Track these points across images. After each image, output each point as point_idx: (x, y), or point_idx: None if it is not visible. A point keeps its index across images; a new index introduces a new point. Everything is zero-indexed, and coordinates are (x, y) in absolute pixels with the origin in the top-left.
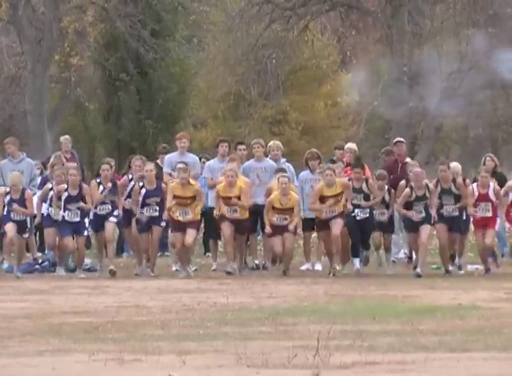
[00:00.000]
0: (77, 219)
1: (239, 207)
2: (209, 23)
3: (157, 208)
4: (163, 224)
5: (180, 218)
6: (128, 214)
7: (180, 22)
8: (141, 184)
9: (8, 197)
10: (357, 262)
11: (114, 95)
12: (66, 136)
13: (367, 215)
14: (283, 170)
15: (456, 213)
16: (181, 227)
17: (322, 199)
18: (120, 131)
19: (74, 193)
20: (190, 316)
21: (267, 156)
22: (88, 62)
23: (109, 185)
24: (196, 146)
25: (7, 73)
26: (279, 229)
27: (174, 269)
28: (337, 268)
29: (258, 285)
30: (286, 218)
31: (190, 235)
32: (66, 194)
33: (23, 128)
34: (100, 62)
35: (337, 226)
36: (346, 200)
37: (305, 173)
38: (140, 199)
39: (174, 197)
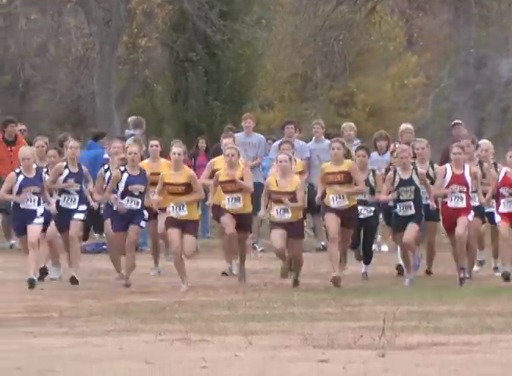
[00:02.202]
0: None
1: (244, 191)
2: (277, 4)
3: (139, 201)
4: (142, 224)
5: (173, 215)
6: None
7: (252, 3)
8: (122, 169)
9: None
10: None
11: (182, 77)
12: (134, 117)
13: (371, 214)
14: (289, 143)
15: None
16: (176, 225)
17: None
18: (187, 112)
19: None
20: (257, 296)
21: (327, 137)
22: (156, 43)
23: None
24: (263, 127)
25: (75, 54)
26: (280, 226)
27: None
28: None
29: (325, 266)
30: (287, 211)
31: (189, 243)
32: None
33: (92, 109)
34: (168, 43)
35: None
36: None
37: (373, 154)
38: (122, 187)
39: (165, 184)
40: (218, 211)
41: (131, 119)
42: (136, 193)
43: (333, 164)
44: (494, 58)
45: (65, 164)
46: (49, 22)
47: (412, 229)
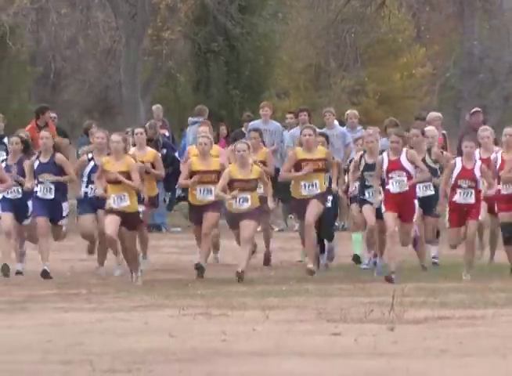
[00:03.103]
0: None
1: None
2: None
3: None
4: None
5: (114, 206)
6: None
7: None
8: (90, 156)
9: None
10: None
11: (203, 67)
12: (158, 105)
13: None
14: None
15: None
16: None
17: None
18: (208, 100)
19: None
20: (274, 273)
21: (341, 123)
22: (179, 36)
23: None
24: (279, 114)
25: (103, 46)
26: (238, 218)
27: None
28: (310, 266)
29: (340, 245)
30: (247, 200)
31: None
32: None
33: (118, 98)
34: (190, 36)
35: (312, 211)
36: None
37: (384, 140)
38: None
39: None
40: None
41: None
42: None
43: (307, 151)
44: (496, 49)
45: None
46: (79, 16)
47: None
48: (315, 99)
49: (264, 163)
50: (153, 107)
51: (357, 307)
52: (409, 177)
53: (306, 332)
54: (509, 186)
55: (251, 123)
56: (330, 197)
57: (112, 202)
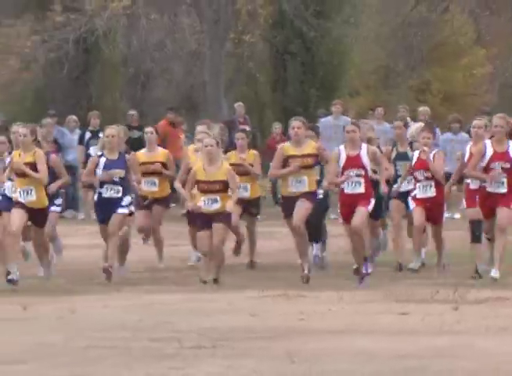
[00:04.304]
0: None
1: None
2: (364, 5)
3: (119, 188)
4: (124, 210)
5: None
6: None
7: (342, 4)
8: (99, 153)
9: None
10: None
11: (281, 68)
12: (240, 103)
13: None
14: (244, 130)
15: None
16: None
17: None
18: (286, 98)
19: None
20: (349, 258)
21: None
22: (259, 39)
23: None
24: (351, 111)
25: (189, 49)
26: (206, 219)
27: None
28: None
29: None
30: (216, 200)
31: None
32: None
33: (203, 97)
34: (269, 39)
35: (299, 214)
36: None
37: (447, 134)
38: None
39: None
40: None
41: (237, 105)
42: (116, 180)
43: (295, 146)
44: None
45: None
46: (167, 21)
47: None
48: (384, 96)
49: (252, 165)
50: (235, 105)
51: (423, 288)
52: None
53: (376, 312)
54: (474, 180)
55: (323, 119)
56: (321, 190)
57: (19, 196)
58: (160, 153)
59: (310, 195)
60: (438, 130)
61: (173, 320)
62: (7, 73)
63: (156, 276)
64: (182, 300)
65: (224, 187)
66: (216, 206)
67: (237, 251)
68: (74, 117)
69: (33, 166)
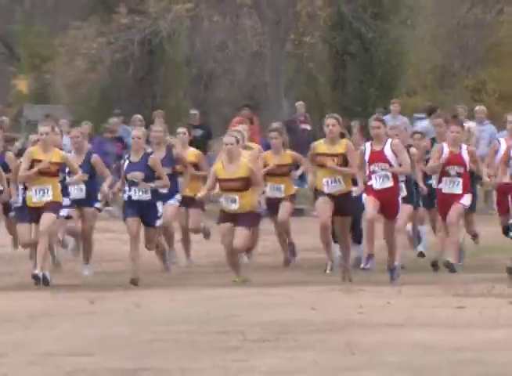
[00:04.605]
0: None
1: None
2: (420, 7)
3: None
4: (159, 223)
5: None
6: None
7: (400, 6)
8: (127, 156)
9: None
10: None
11: (340, 68)
12: (301, 102)
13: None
14: (277, 129)
15: None
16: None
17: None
18: (345, 98)
19: None
20: (410, 253)
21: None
22: (318, 40)
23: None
24: (408, 111)
25: (250, 50)
26: (230, 217)
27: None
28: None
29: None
30: (234, 200)
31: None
32: None
33: (264, 96)
34: (328, 40)
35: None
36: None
37: (502, 133)
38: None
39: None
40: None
41: (298, 104)
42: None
43: (329, 143)
44: None
45: None
46: (229, 23)
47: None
48: (440, 96)
49: (290, 165)
50: (296, 104)
51: (480, 283)
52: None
53: (434, 305)
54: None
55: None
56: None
57: (34, 195)
58: (192, 154)
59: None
60: (493, 127)
61: (237, 314)
62: (74, 74)
63: (219, 270)
64: (245, 294)
65: (243, 185)
66: (234, 206)
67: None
68: (139, 116)
69: (57, 165)
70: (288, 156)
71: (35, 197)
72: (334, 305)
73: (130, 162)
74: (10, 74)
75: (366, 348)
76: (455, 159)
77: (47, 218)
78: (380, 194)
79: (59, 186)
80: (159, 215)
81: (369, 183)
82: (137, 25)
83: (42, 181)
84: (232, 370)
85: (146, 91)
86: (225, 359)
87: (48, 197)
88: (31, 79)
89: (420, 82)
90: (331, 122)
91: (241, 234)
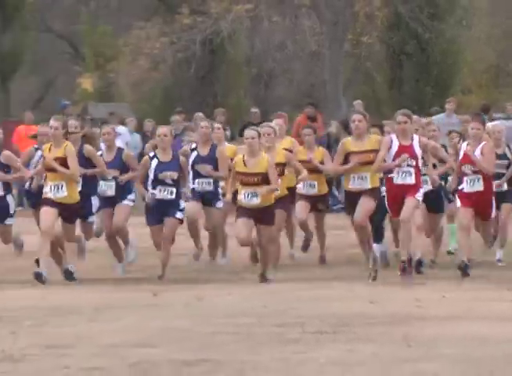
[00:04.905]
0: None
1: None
2: (474, 8)
3: (173, 190)
4: (180, 215)
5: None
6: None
7: (455, 7)
8: (151, 154)
9: None
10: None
11: (397, 68)
12: (359, 101)
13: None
14: (310, 126)
15: None
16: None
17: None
18: (402, 96)
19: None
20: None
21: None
22: (376, 40)
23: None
24: (463, 109)
25: (309, 49)
26: (249, 214)
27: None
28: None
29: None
30: (255, 194)
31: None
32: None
33: (323, 95)
34: (385, 40)
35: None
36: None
37: None
38: (151, 174)
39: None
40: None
41: (356, 102)
42: (169, 182)
43: (357, 140)
44: None
45: None
46: (288, 23)
47: None
48: (495, 95)
49: (322, 163)
50: (354, 103)
51: None
52: None
53: (490, 299)
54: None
55: (435, 116)
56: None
57: (49, 191)
58: (227, 149)
59: (373, 192)
60: None
61: (296, 306)
62: (137, 73)
63: (275, 266)
64: (303, 287)
65: (263, 180)
66: (256, 201)
67: (305, 247)
68: (201, 114)
69: (63, 160)
70: (320, 152)
71: (50, 193)
72: (392, 299)
73: (160, 161)
74: (75, 73)
75: (424, 341)
76: (466, 158)
77: (65, 226)
78: (400, 190)
79: (75, 182)
80: (181, 207)
81: (390, 176)
82: (198, 25)
83: (55, 177)
84: (290, 362)
85: (208, 89)
86: (283, 352)
87: (64, 193)
88: (96, 78)
89: (475, 81)
90: (357, 118)
91: (266, 231)
